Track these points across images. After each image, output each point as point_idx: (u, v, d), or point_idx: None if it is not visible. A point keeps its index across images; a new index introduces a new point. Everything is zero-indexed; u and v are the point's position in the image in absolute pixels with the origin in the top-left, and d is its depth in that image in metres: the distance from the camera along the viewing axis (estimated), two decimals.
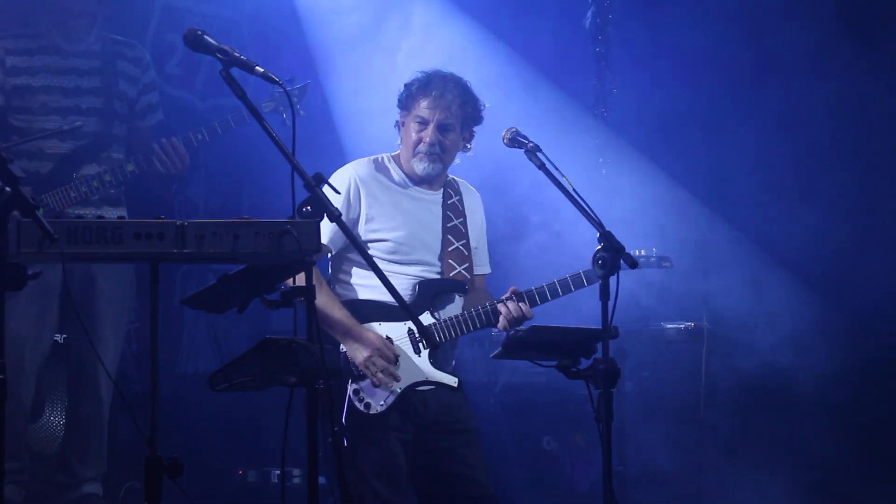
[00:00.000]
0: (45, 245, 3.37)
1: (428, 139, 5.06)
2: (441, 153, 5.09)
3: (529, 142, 4.70)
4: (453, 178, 5.32)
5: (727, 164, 7.59)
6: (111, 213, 5.90)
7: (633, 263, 4.33)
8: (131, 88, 6.14)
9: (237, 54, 3.85)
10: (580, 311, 5.51)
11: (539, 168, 4.61)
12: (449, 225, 5.19)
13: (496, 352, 4.72)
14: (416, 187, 5.17)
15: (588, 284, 5.03)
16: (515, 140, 4.77)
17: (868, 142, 7.42)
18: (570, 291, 5.08)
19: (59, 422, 6.32)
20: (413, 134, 5.10)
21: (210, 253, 3.55)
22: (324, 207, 3.72)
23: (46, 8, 6.00)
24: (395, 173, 5.17)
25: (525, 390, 7.35)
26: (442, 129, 5.07)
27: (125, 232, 3.49)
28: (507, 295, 5.06)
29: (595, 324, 4.28)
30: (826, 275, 7.30)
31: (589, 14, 7.66)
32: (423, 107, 5.07)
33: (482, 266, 5.33)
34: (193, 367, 7.85)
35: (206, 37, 3.88)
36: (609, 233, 4.35)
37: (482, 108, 5.19)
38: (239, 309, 3.84)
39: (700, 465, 6.87)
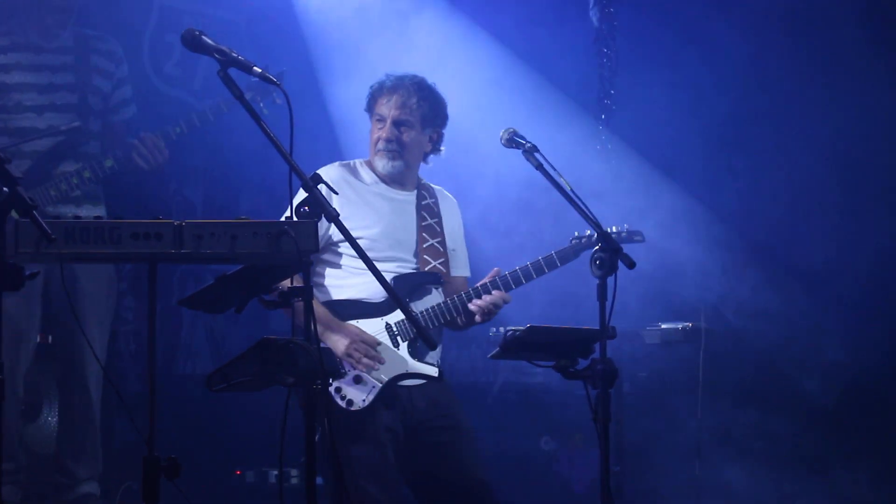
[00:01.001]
0: (43, 245, 3.37)
1: (385, 135, 5.11)
2: (400, 149, 5.13)
3: (527, 142, 4.70)
4: (428, 183, 5.36)
5: (727, 165, 7.60)
6: (93, 211, 5.88)
7: (630, 264, 4.33)
8: (105, 83, 6.11)
9: (235, 55, 3.85)
10: (580, 311, 5.52)
11: (537, 168, 4.61)
12: (423, 224, 5.21)
13: (494, 352, 4.72)
14: (388, 187, 5.19)
15: (561, 265, 5.08)
16: (513, 140, 4.77)
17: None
18: (544, 273, 5.09)
19: (56, 422, 6.32)
20: (374, 134, 5.17)
21: (208, 253, 3.55)
22: (321, 208, 3.73)
23: (23, 5, 5.96)
24: (367, 175, 5.20)
25: (523, 391, 7.35)
26: (398, 125, 5.12)
27: (123, 232, 3.49)
28: (489, 278, 5.08)
29: (592, 324, 4.28)
30: (824, 273, 7.30)
31: (592, 14, 7.65)
32: (380, 105, 5.15)
33: (461, 269, 5.35)
34: (191, 368, 7.85)
35: (204, 37, 3.88)
36: (607, 233, 4.36)
37: (444, 106, 5.22)
38: (237, 309, 3.84)
39: (697, 466, 6.87)
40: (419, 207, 5.23)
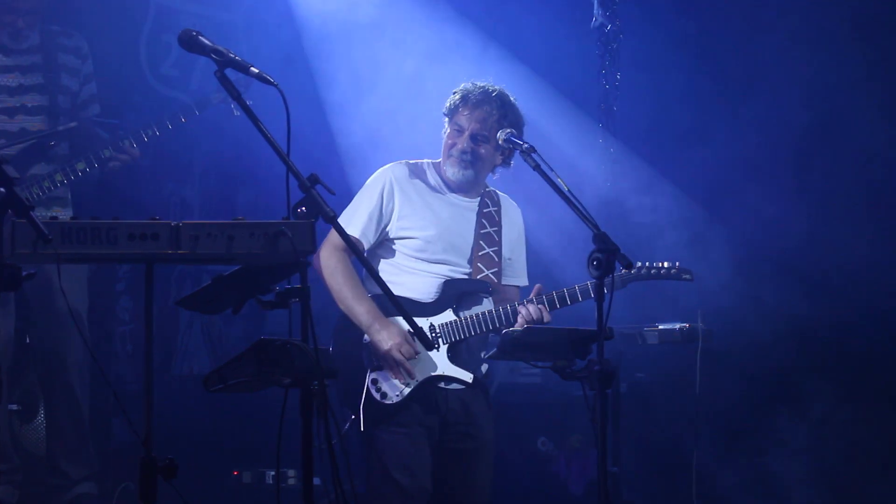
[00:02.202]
0: (40, 246, 3.36)
1: (461, 146, 5.18)
2: (472, 160, 5.19)
3: (524, 143, 4.70)
4: (494, 191, 5.42)
5: (724, 164, 7.60)
6: (62, 214, 5.87)
7: (627, 264, 4.32)
8: (73, 82, 6.10)
9: (232, 55, 3.84)
10: (578, 311, 5.52)
11: (534, 169, 4.60)
12: (482, 231, 5.29)
13: (491, 352, 4.72)
14: (453, 194, 5.27)
15: (609, 292, 5.07)
16: (510, 141, 4.77)
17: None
18: (590, 297, 5.09)
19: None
20: (449, 139, 5.22)
21: (205, 254, 3.55)
22: (318, 208, 3.72)
23: None
24: (433, 178, 5.28)
25: (520, 391, 7.35)
26: (475, 138, 5.18)
27: (120, 233, 3.48)
28: (532, 294, 5.12)
29: (590, 325, 4.28)
30: (819, 272, 7.30)
31: (593, 14, 7.64)
32: (462, 115, 5.19)
33: (517, 278, 5.40)
34: (188, 368, 7.85)
35: (200, 37, 3.87)
36: (604, 234, 4.34)
37: (522, 124, 5.24)
38: (233, 310, 3.83)
39: (694, 466, 6.87)
40: (480, 215, 5.30)
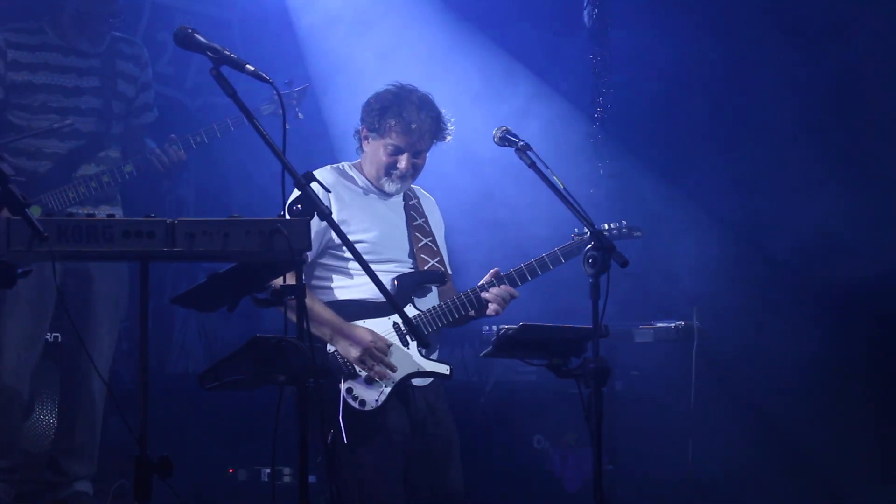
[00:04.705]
0: (35, 243, 3.36)
1: (403, 167, 5.10)
2: (414, 173, 5.16)
3: (520, 140, 4.70)
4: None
5: (723, 163, 7.61)
6: (109, 212, 5.87)
7: (623, 262, 4.33)
8: (130, 88, 6.11)
9: (227, 52, 3.84)
10: (572, 310, 5.52)
11: (529, 167, 4.61)
12: (414, 224, 5.24)
13: (486, 350, 4.72)
14: (378, 191, 5.18)
15: (565, 261, 5.09)
16: (505, 139, 4.77)
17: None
18: (549, 269, 5.12)
19: (49, 420, 6.31)
20: (384, 157, 5.11)
21: (200, 251, 3.55)
22: (314, 206, 3.72)
23: (73, 13, 5.94)
24: (359, 180, 5.19)
25: (515, 389, 7.35)
26: (416, 154, 5.12)
27: (115, 230, 3.48)
28: (489, 278, 5.09)
29: (585, 323, 4.28)
30: (817, 271, 7.31)
31: (585, 14, 7.65)
32: (397, 135, 5.07)
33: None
34: (184, 366, 7.84)
35: (196, 35, 3.87)
36: (600, 231, 4.35)
37: (444, 117, 5.19)
38: (229, 308, 3.83)
39: (690, 464, 6.88)
40: (406, 208, 5.25)
